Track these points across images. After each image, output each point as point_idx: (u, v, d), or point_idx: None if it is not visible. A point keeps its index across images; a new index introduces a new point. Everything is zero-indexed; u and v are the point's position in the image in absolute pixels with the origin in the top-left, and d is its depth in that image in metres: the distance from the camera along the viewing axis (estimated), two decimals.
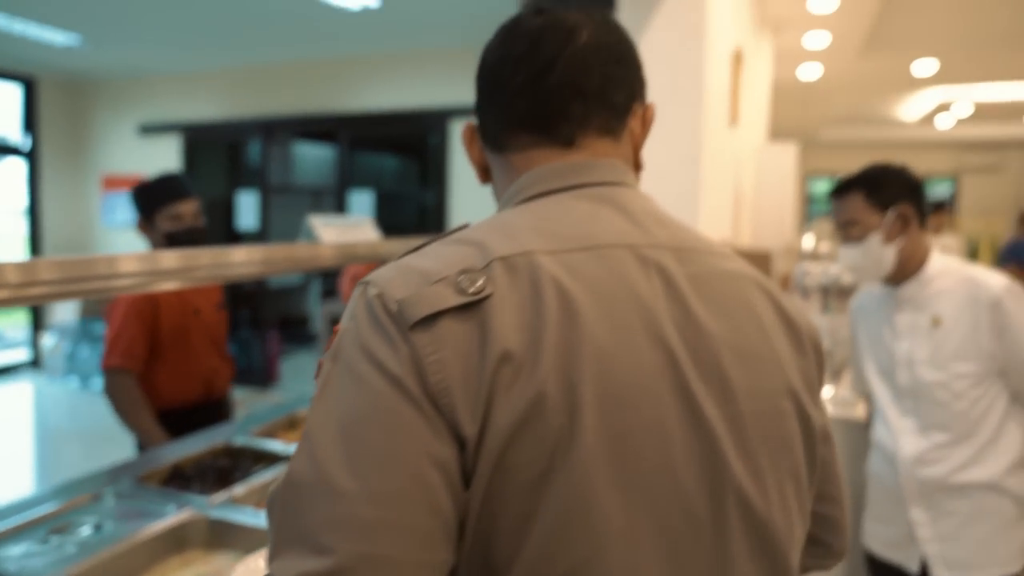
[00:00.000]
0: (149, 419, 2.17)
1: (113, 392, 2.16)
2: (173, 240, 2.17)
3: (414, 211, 6.22)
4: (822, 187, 13.53)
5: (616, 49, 0.72)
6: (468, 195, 5.24)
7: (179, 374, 2.30)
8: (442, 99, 5.36)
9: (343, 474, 0.51)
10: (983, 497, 1.66)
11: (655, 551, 0.57)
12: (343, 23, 4.85)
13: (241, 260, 1.63)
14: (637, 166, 0.76)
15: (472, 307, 0.56)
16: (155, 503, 1.55)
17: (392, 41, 5.36)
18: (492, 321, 0.55)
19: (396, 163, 7.12)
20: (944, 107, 9.38)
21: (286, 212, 6.66)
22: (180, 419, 2.28)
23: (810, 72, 6.89)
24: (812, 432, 0.67)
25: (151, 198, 2.21)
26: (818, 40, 5.84)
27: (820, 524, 0.76)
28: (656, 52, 2.50)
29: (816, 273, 2.39)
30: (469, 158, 0.79)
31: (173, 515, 1.49)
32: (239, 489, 1.63)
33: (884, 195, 1.70)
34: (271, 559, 0.53)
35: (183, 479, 1.78)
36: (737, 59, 3.78)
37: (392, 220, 6.37)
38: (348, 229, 1.76)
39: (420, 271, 0.59)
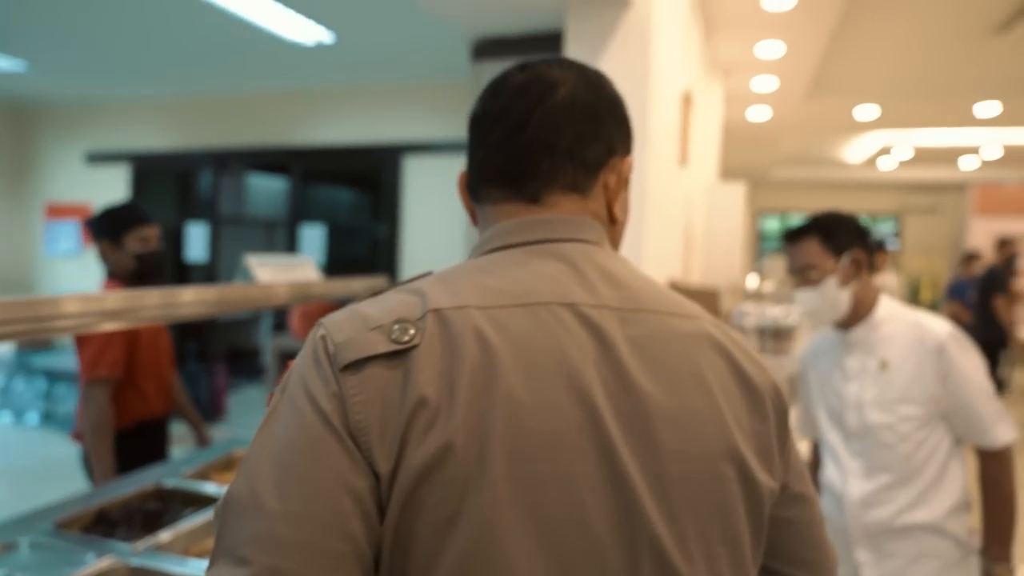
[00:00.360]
0: (111, 445, 2.23)
1: (95, 405, 2.20)
2: (142, 260, 2.34)
3: (366, 245, 6.17)
4: (773, 225, 13.86)
5: (593, 106, 0.74)
6: (420, 230, 5.23)
7: (155, 386, 2.44)
8: (395, 135, 5.37)
9: (270, 495, 0.55)
10: (926, 539, 1.68)
11: None
12: (297, 57, 4.84)
13: (189, 301, 1.58)
14: (612, 220, 0.77)
15: (400, 355, 0.59)
16: (73, 551, 1.48)
17: (346, 76, 5.37)
18: (414, 369, 0.59)
19: (349, 197, 7.08)
20: (886, 150, 9.74)
21: (238, 244, 6.55)
22: (154, 431, 2.45)
23: (759, 114, 7.11)
24: (758, 497, 0.66)
25: (121, 221, 2.35)
26: (766, 84, 6.03)
27: None
28: None
29: (754, 314, 2.43)
30: (462, 203, 0.81)
31: (91, 564, 1.42)
32: (165, 535, 1.56)
33: (838, 241, 1.74)
34: (207, 568, 0.56)
35: (108, 524, 1.70)
36: (687, 101, 3.87)
37: (345, 253, 6.33)
38: (286, 268, 1.73)
39: (364, 317, 0.63)
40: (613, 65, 2.52)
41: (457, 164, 4.65)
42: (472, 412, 0.58)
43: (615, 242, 0.80)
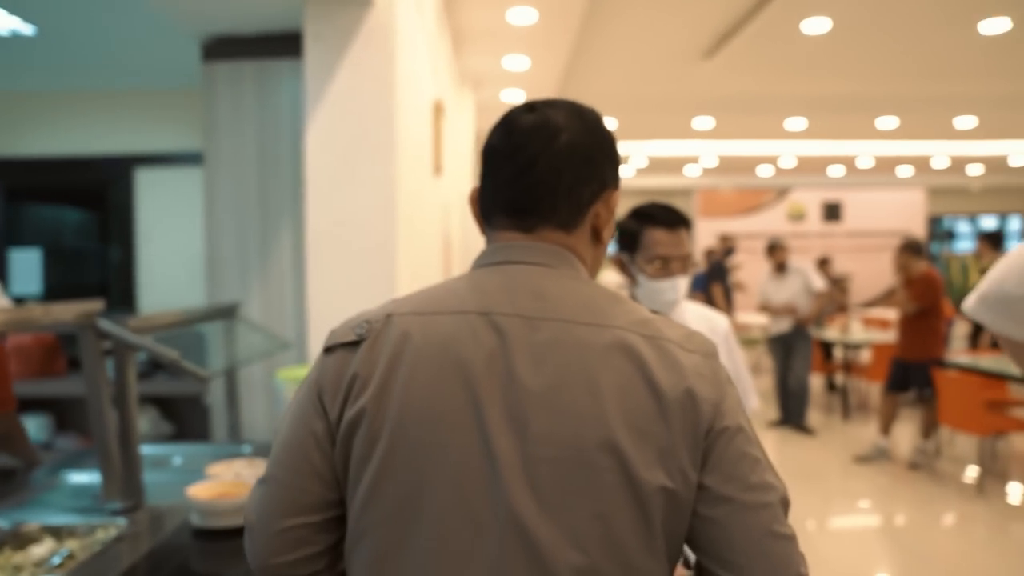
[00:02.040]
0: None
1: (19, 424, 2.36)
2: None
3: (97, 269, 5.46)
4: None
5: (589, 149, 0.89)
6: (158, 250, 4.72)
7: None
8: (124, 146, 4.81)
9: (281, 429, 0.88)
10: None
11: (437, 533, 0.77)
12: None
13: None
14: (600, 243, 0.93)
15: (357, 344, 0.84)
16: None
17: (58, 78, 4.71)
18: (358, 354, 0.83)
19: (73, 217, 6.23)
20: (625, 159, 10.68)
21: None
22: None
23: None
24: (641, 490, 0.75)
25: None
26: (514, 96, 6.29)
27: None
28: (345, 101, 2.44)
29: None
30: (473, 216, 0.96)
31: None
32: None
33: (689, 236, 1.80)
34: None
35: None
36: (439, 110, 3.89)
37: (69, 280, 5.55)
38: None
39: (359, 315, 0.88)
40: (357, 68, 2.44)
41: (195, 177, 4.27)
42: (380, 387, 0.80)
43: (600, 260, 0.95)
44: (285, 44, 2.65)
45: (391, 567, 0.79)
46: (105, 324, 1.70)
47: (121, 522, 1.74)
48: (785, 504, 0.80)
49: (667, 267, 1.77)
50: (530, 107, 0.90)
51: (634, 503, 0.75)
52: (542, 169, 0.86)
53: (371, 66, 2.43)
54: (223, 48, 2.74)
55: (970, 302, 1.40)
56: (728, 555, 0.77)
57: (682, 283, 1.80)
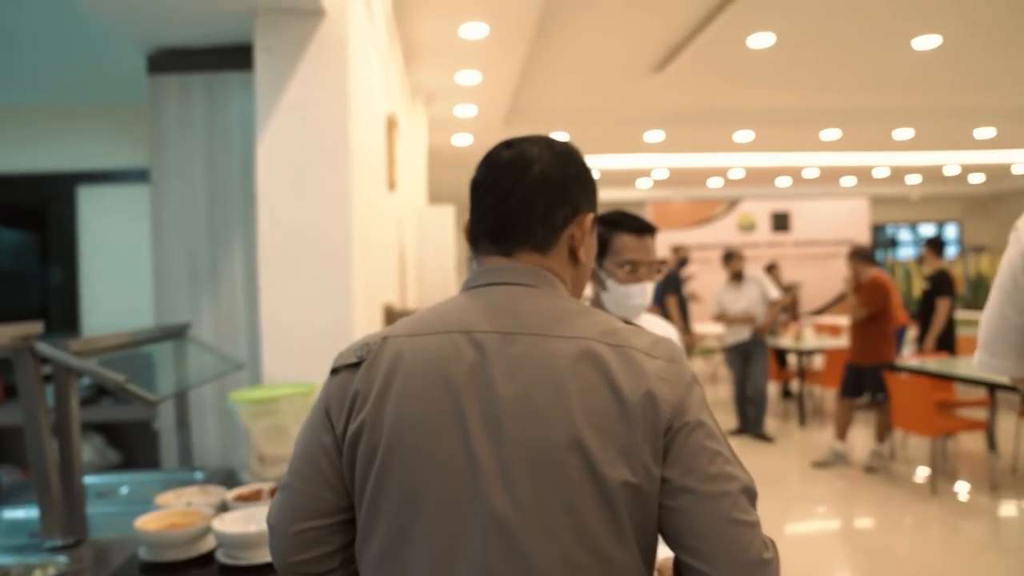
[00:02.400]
0: None
1: None
2: None
3: (37, 293, 5.24)
4: None
5: (561, 178, 0.98)
6: (103, 272, 4.55)
7: None
8: (67, 162, 4.63)
9: (297, 444, 0.98)
10: None
11: (432, 530, 0.85)
12: None
13: None
14: (576, 261, 1.01)
15: (358, 365, 0.93)
16: None
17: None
18: (359, 374, 0.92)
19: (11, 237, 5.98)
20: None
21: None
22: None
23: (463, 140, 7.40)
24: (606, 485, 0.82)
25: None
26: (466, 111, 6.28)
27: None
28: (297, 114, 2.38)
29: None
30: (467, 243, 1.05)
31: None
32: None
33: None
34: None
35: None
36: (392, 125, 3.85)
37: (8, 304, 5.31)
38: None
39: (359, 340, 0.97)
40: (309, 80, 2.39)
41: (142, 195, 4.14)
42: (377, 402, 0.89)
43: (582, 278, 1.04)
44: (235, 56, 2.58)
45: (395, 562, 0.87)
46: (43, 347, 1.61)
47: (62, 560, 1.64)
48: (749, 493, 0.85)
49: (636, 272, 1.80)
50: (508, 144, 1.01)
51: (600, 497, 0.82)
52: (517, 198, 0.96)
53: (324, 78, 2.38)
54: (170, 60, 2.65)
55: (977, 359, 1.44)
56: (691, 542, 0.83)
57: (650, 288, 1.82)
